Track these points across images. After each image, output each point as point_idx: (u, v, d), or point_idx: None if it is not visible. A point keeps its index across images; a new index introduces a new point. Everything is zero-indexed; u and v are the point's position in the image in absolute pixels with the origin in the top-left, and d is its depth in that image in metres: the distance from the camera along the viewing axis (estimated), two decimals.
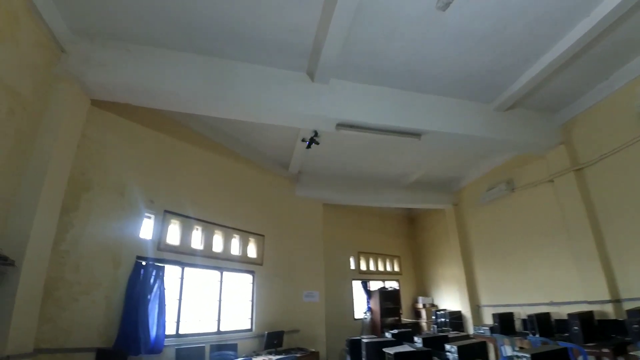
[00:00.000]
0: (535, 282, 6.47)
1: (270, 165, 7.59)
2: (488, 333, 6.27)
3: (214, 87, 4.33)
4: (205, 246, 5.81)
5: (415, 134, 5.22)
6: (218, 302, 5.78)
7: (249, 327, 6.17)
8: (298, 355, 5.78)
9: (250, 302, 6.38)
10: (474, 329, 7.09)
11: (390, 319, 8.83)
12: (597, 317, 4.89)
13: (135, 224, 4.85)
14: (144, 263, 4.70)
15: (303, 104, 4.63)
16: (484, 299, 7.96)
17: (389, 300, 9.14)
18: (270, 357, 5.45)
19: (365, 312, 9.16)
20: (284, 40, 4.21)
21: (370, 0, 3.68)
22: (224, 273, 6.04)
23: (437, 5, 3.74)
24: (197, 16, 3.88)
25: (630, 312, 4.14)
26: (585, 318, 4.67)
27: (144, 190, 5.05)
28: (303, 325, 6.96)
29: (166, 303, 4.72)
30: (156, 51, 4.30)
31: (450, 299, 9.34)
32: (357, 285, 9.42)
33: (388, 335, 5.52)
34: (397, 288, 10.05)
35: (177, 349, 4.56)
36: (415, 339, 4.36)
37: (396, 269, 10.70)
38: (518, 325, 6.38)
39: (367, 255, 10.04)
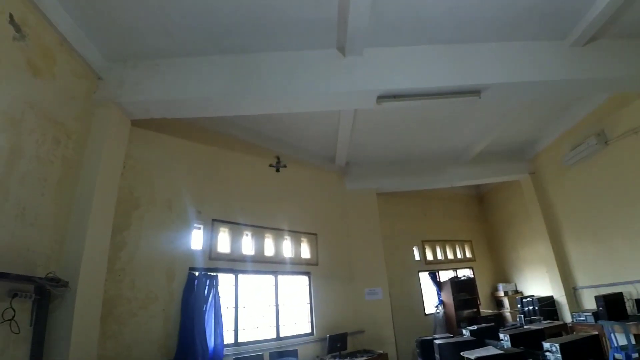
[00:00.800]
0: None
1: (316, 160, 7.39)
2: (591, 320, 5.40)
3: (242, 84, 4.22)
4: (256, 251, 5.79)
5: (474, 92, 4.43)
6: (275, 307, 5.73)
7: (309, 330, 6.03)
8: (364, 358, 5.48)
9: (309, 305, 6.24)
10: (573, 317, 6.20)
11: (466, 312, 8.09)
12: None
13: (185, 236, 4.97)
14: (196, 274, 4.78)
15: (336, 82, 4.25)
16: (581, 280, 6.85)
17: (463, 291, 8.38)
18: None
19: (436, 306, 8.52)
20: (307, 18, 3.88)
21: None
22: (279, 277, 5.98)
23: None
24: (216, 17, 3.78)
25: None
26: None
27: (191, 202, 5.17)
28: (368, 326, 6.62)
29: (222, 312, 4.75)
30: (183, 61, 4.31)
31: (537, 284, 8.29)
32: (424, 277, 8.80)
33: (466, 332, 4.94)
34: (472, 276, 9.22)
35: (235, 359, 4.55)
36: (501, 335, 3.69)
37: (468, 255, 9.81)
38: (630, 307, 5.34)
39: (433, 243, 9.33)
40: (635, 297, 5.31)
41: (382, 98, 4.41)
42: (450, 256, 9.50)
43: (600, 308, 5.21)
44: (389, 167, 7.97)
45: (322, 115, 5.74)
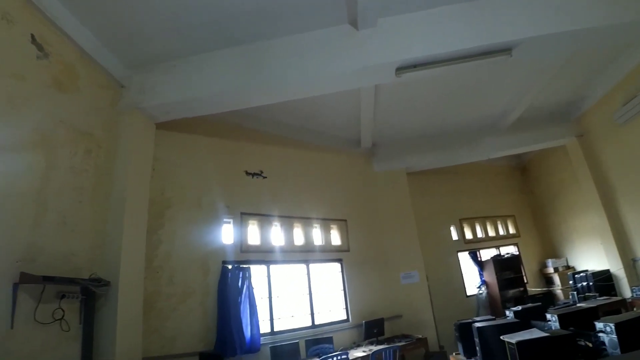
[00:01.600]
0: None
1: (341, 145, 7.37)
2: None
3: (255, 74, 4.26)
4: (286, 241, 5.96)
5: (504, 50, 4.08)
6: (309, 296, 5.90)
7: (344, 317, 6.16)
8: (402, 343, 5.53)
9: (342, 292, 6.35)
10: (632, 291, 5.89)
11: (512, 292, 7.83)
12: None
13: (216, 231, 5.24)
14: (229, 267, 5.02)
15: (351, 58, 4.14)
16: None
17: (507, 269, 8.11)
18: (371, 347, 5.34)
19: (478, 287, 8.33)
20: None
21: None
22: (310, 265, 6.12)
23: None
24: (223, 9, 3.82)
25: None
26: None
27: (219, 198, 5.39)
28: (405, 310, 6.65)
29: (256, 303, 4.98)
30: (196, 58, 4.43)
31: (590, 257, 7.83)
32: (464, 257, 8.60)
33: (509, 314, 4.79)
34: (517, 253, 8.88)
35: (271, 347, 4.79)
36: (549, 316, 3.46)
37: (512, 231, 9.43)
38: None
39: (472, 221, 9.03)
40: None
41: (401, 69, 4.22)
42: (491, 233, 9.17)
43: None
44: (418, 144, 7.75)
45: (341, 97, 5.66)
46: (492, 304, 7.96)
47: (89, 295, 3.33)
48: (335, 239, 6.67)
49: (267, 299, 5.40)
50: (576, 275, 7.31)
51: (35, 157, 3.13)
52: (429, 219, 8.25)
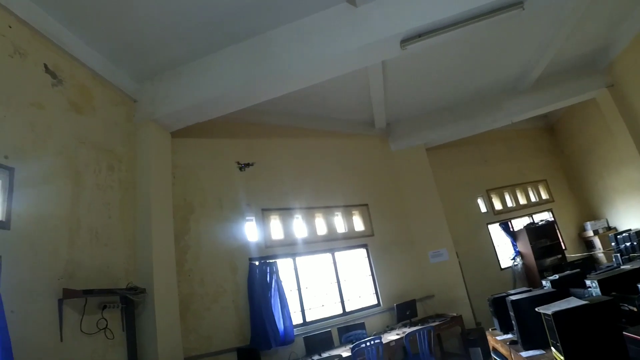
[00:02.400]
0: None
1: (355, 128, 7.40)
2: None
3: (261, 67, 4.34)
4: (309, 232, 6.13)
5: (515, 3, 3.88)
6: (337, 284, 6.07)
7: (375, 302, 6.30)
8: (437, 323, 5.63)
9: (371, 277, 6.48)
10: None
11: (550, 260, 7.69)
12: None
13: (239, 230, 5.47)
14: (256, 263, 5.26)
15: (353, 37, 4.13)
16: None
17: (543, 237, 7.95)
18: (405, 329, 5.47)
19: (513, 259, 8.22)
20: None
21: None
22: (335, 253, 6.27)
23: None
24: (219, 6, 3.87)
25: None
26: None
27: (239, 197, 5.62)
28: (437, 289, 6.71)
29: (286, 296, 5.20)
30: (201, 62, 4.59)
31: (633, 215, 7.55)
32: (495, 229, 8.49)
33: (546, 283, 4.72)
34: (552, 219, 8.66)
35: (304, 338, 5.02)
36: (588, 282, 3.33)
37: (544, 196, 9.17)
38: None
39: (500, 190, 8.84)
40: None
41: (406, 41, 4.16)
42: (522, 201, 8.96)
43: None
44: (434, 118, 7.62)
45: (349, 79, 5.64)
46: (529, 275, 7.86)
47: (128, 303, 3.63)
48: (358, 224, 6.77)
49: (297, 291, 5.62)
50: (618, 236, 7.06)
51: (63, 179, 3.41)
52: (454, 194, 8.17)
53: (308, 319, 5.53)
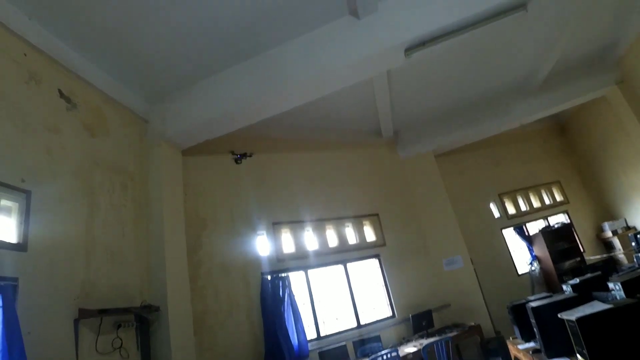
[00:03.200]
0: None
1: (362, 138, 7.41)
2: None
3: (268, 83, 4.40)
4: (320, 244, 6.09)
5: (518, 6, 3.92)
6: (350, 296, 5.98)
7: (389, 314, 6.17)
8: (454, 333, 5.48)
9: (384, 287, 6.37)
10: None
11: (568, 263, 7.47)
12: None
13: (251, 244, 5.49)
14: (268, 277, 5.23)
15: (357, 48, 4.17)
16: None
17: (560, 240, 7.74)
18: (422, 341, 5.34)
19: (530, 263, 8.01)
20: None
21: None
22: (348, 265, 6.20)
23: None
24: (225, 26, 3.98)
25: None
26: None
27: (250, 211, 5.64)
28: (453, 298, 6.53)
29: (299, 309, 5.14)
30: (210, 80, 4.68)
31: None
32: (509, 233, 8.31)
33: (567, 288, 4.58)
34: (568, 221, 8.45)
35: (319, 353, 4.93)
36: (611, 285, 3.19)
37: (559, 198, 8.97)
38: None
39: (513, 194, 8.69)
40: None
41: (410, 50, 4.20)
42: (536, 204, 8.78)
43: None
44: (441, 123, 7.55)
45: (355, 89, 5.63)
46: (548, 280, 7.64)
47: (142, 321, 3.63)
48: (370, 235, 6.70)
49: (310, 305, 5.55)
50: (638, 236, 6.87)
51: (78, 200, 3.47)
52: (466, 199, 8.06)
53: (322, 333, 5.44)
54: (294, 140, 6.58)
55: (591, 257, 7.95)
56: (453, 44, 4.31)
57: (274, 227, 5.78)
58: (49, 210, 3.12)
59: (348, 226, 6.55)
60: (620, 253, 7.81)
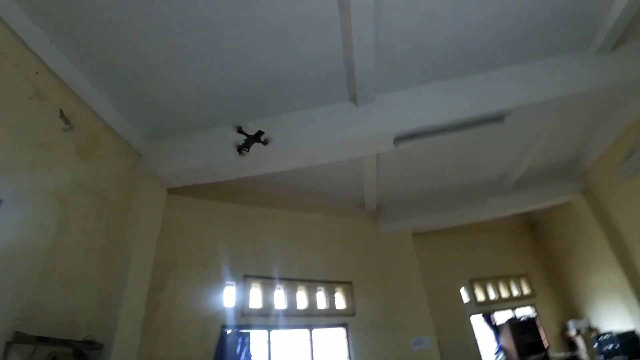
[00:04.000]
0: None
1: (346, 206, 7.51)
2: None
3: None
4: (289, 304, 5.82)
5: (497, 119, 4.38)
6: None
7: None
8: None
9: (348, 359, 5.95)
10: None
11: (533, 358, 7.23)
12: None
13: (218, 294, 5.20)
14: (228, 332, 4.86)
15: (352, 130, 4.53)
16: None
17: (526, 333, 7.60)
18: None
19: (496, 353, 7.73)
20: (316, 75, 4.23)
21: None
22: (313, 330, 5.86)
23: None
24: (235, 88, 4.27)
25: None
26: None
27: (224, 260, 5.44)
28: None
29: None
30: (210, 131, 4.83)
31: (614, 316, 7.33)
32: (477, 320, 8.12)
33: None
34: (534, 315, 8.37)
35: None
36: None
37: (526, 291, 8.98)
38: None
39: (483, 281, 8.68)
40: None
41: (399, 140, 4.58)
42: (504, 295, 8.75)
43: None
44: (422, 205, 7.78)
45: (345, 162, 5.88)
46: None
47: (80, 358, 3.24)
48: (340, 302, 6.45)
49: None
50: (600, 338, 6.82)
51: (48, 219, 3.33)
52: (438, 281, 7.96)
53: None
54: (279, 197, 6.65)
55: (555, 354, 7.74)
56: (439, 141, 4.70)
57: (245, 279, 5.55)
58: (14, 223, 3.00)
59: (320, 290, 6.32)
60: (583, 352, 7.64)
